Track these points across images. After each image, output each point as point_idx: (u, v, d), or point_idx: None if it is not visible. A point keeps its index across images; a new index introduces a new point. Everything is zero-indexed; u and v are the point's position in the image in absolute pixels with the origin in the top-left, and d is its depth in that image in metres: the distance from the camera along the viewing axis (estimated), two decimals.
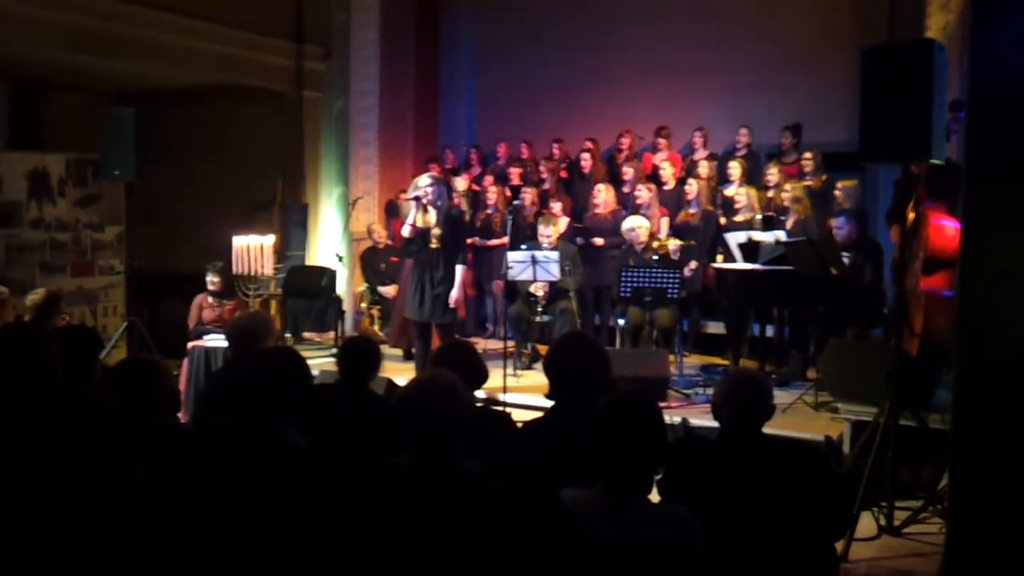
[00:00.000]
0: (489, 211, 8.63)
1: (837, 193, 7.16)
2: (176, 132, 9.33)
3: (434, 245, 6.24)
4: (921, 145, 4.14)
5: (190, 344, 6.75)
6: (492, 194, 8.64)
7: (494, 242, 8.35)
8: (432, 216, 6.23)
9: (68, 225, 8.54)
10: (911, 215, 5.14)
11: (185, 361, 6.63)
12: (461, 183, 8.75)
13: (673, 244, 7.14)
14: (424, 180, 6.31)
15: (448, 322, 6.34)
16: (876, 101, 4.26)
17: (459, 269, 6.24)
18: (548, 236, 7.32)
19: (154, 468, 2.66)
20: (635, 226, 7.24)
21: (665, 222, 7.76)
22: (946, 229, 5.19)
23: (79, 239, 8.62)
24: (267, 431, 2.69)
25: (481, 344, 7.72)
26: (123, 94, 9.17)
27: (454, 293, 6.20)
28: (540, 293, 7.27)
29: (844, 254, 6.46)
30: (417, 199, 6.23)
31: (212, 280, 7.23)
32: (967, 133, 3.14)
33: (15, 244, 8.16)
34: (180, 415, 5.03)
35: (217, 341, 6.40)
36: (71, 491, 2.33)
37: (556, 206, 8.03)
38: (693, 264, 7.52)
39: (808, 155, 7.75)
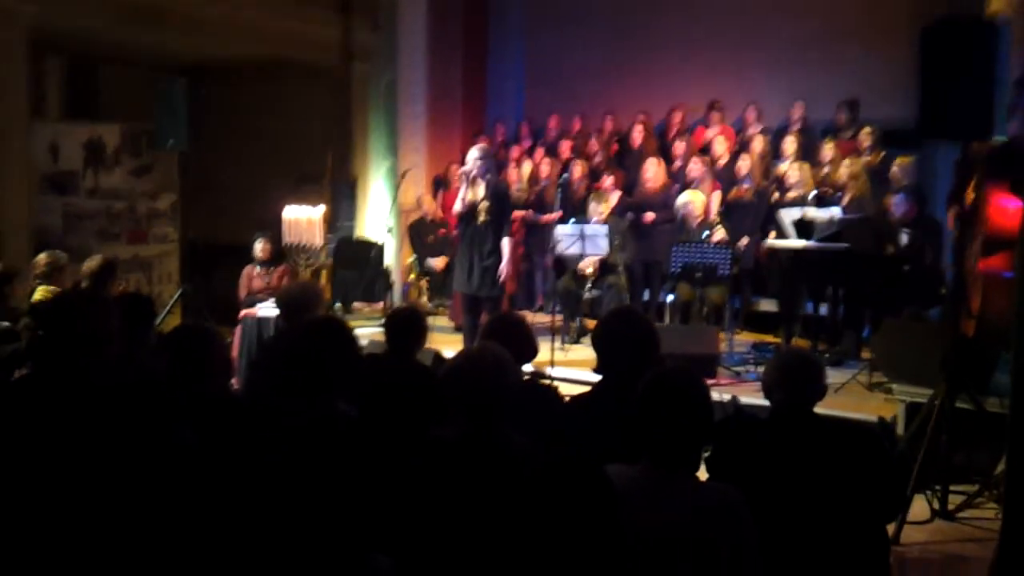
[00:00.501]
0: (543, 183, 8.58)
1: (894, 170, 6.99)
2: (228, 104, 9.43)
3: (482, 219, 6.23)
4: (982, 122, 4.04)
5: (242, 313, 6.85)
6: (545, 167, 8.58)
7: (546, 217, 8.30)
8: (480, 190, 6.22)
9: (123, 194, 8.70)
10: (971, 194, 5.00)
11: (238, 329, 6.73)
12: (527, 168, 8.67)
13: (720, 234, 7.02)
14: (473, 153, 6.31)
15: (496, 295, 6.34)
16: (935, 77, 4.17)
17: (506, 242, 6.22)
18: (600, 212, 7.27)
19: (204, 434, 2.70)
20: (689, 200, 7.15)
21: (717, 196, 7.64)
22: (1008, 209, 5.04)
23: (134, 208, 8.78)
24: (316, 400, 2.71)
25: (529, 317, 7.71)
26: (177, 67, 9.28)
27: (503, 266, 6.20)
28: (590, 270, 7.23)
29: (904, 231, 6.33)
30: (466, 174, 6.23)
31: (262, 248, 7.34)
32: None
33: (72, 212, 8.34)
34: (232, 382, 5.12)
35: (268, 310, 6.49)
36: (123, 454, 2.38)
37: (608, 180, 7.95)
38: (745, 240, 7.41)
39: (867, 131, 7.57)
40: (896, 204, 6.39)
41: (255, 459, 2.61)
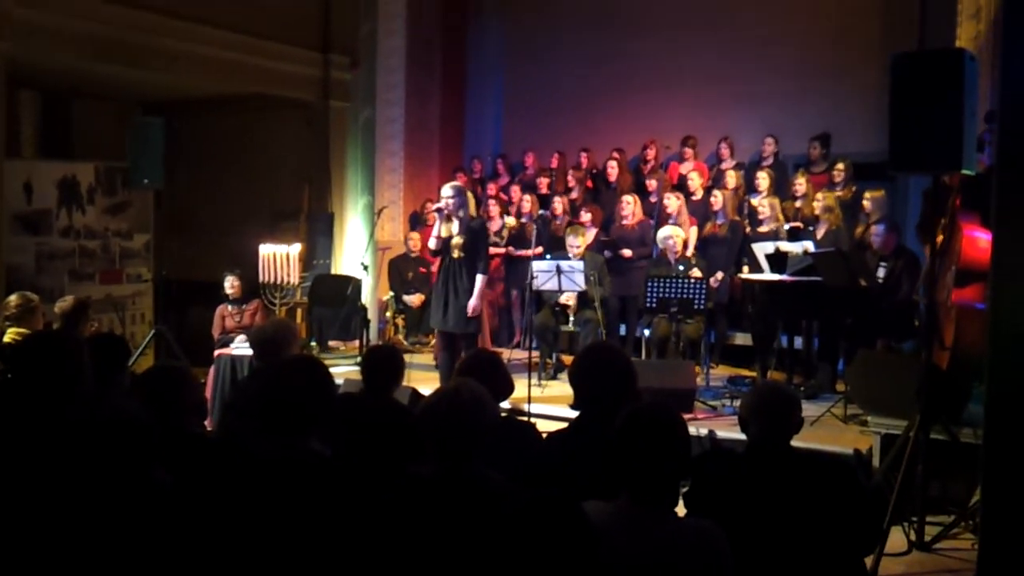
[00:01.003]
0: (523, 220, 8.62)
1: (865, 203, 7.08)
2: (204, 141, 9.43)
3: (456, 255, 6.24)
4: (952, 155, 4.09)
5: (217, 352, 6.80)
6: (526, 204, 8.63)
7: (525, 252, 8.33)
8: (455, 226, 6.24)
9: (97, 233, 8.65)
10: (943, 226, 5.07)
11: (212, 369, 6.68)
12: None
13: (696, 272, 7.09)
14: (447, 191, 6.33)
15: (471, 332, 6.33)
16: (906, 110, 4.22)
17: (479, 278, 6.23)
18: (576, 246, 7.32)
19: (178, 475, 2.67)
20: (671, 235, 7.24)
21: (694, 232, 7.72)
22: (979, 241, 5.12)
23: (108, 247, 8.72)
24: (291, 440, 2.69)
25: (507, 354, 7.70)
26: (152, 103, 9.28)
27: (472, 302, 6.19)
28: (571, 303, 7.25)
29: (882, 264, 6.39)
30: (439, 210, 6.26)
31: (231, 285, 7.34)
32: (998, 144, 3.10)
33: (45, 252, 8.26)
34: (206, 423, 5.06)
35: (243, 349, 6.44)
36: (95, 495, 2.34)
37: (586, 216, 8.01)
38: (719, 275, 7.47)
39: (840, 165, 7.68)
40: (876, 234, 6.47)
41: (229, 500, 2.57)
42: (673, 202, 7.76)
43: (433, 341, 7.91)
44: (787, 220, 7.41)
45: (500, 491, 2.41)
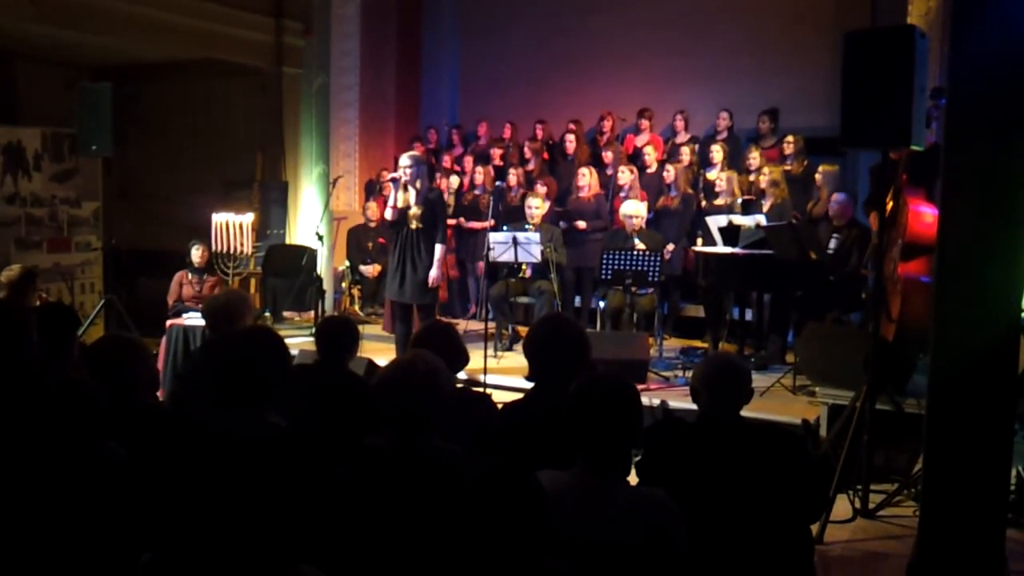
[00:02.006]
0: (476, 192, 8.60)
1: (817, 177, 7.19)
2: (154, 108, 9.23)
3: (414, 226, 6.21)
4: (901, 131, 4.15)
5: (168, 322, 6.71)
6: (479, 175, 8.61)
7: (478, 224, 8.33)
8: (412, 196, 6.21)
9: (44, 200, 8.44)
10: (890, 201, 5.17)
11: (163, 339, 6.59)
12: (454, 181, 8.69)
13: (641, 246, 7.15)
14: (404, 160, 6.29)
15: (428, 303, 6.33)
16: (857, 86, 4.27)
17: (438, 249, 6.22)
18: (535, 207, 7.34)
19: (130, 447, 2.64)
20: (634, 214, 7.25)
21: (643, 206, 7.77)
22: (925, 215, 5.23)
23: (55, 215, 8.53)
24: (244, 411, 2.67)
25: (463, 325, 7.71)
26: (101, 68, 9.05)
27: (433, 272, 6.19)
28: (526, 269, 7.29)
29: (835, 235, 6.50)
30: (395, 180, 6.22)
31: (200, 254, 7.22)
32: (946, 120, 3.16)
33: None
34: (158, 394, 5.00)
35: (195, 319, 6.37)
36: (47, 467, 2.32)
37: (541, 189, 8.02)
38: (671, 247, 7.54)
39: (790, 139, 7.77)
40: (836, 202, 6.56)
41: (182, 472, 2.56)
42: (626, 175, 7.81)
43: (385, 312, 7.90)
44: (742, 194, 7.49)
45: (455, 462, 2.43)
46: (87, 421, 2.58)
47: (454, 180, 8.67)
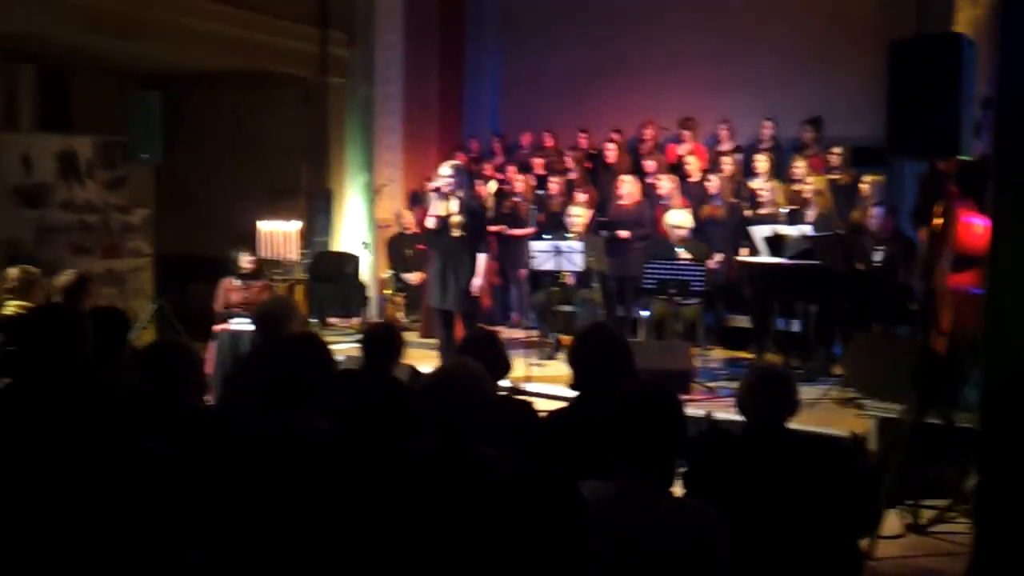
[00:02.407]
0: (516, 199, 8.62)
1: (863, 187, 7.09)
2: (202, 116, 9.39)
3: (456, 234, 6.24)
4: (948, 141, 4.08)
5: (216, 327, 6.81)
6: (519, 183, 8.63)
7: (519, 232, 8.34)
8: (453, 205, 6.24)
9: (97, 207, 8.62)
10: (939, 212, 5.08)
11: (212, 344, 6.69)
12: (492, 186, 8.71)
13: (686, 255, 7.10)
14: (445, 170, 6.33)
15: (470, 311, 6.35)
16: (903, 95, 4.21)
17: (481, 257, 6.24)
18: (577, 216, 7.32)
19: (178, 449, 2.69)
20: (680, 224, 7.21)
21: (689, 216, 7.71)
22: (975, 226, 5.12)
23: (107, 221, 8.70)
24: (291, 415, 2.70)
25: (505, 333, 7.72)
26: (151, 77, 9.23)
27: (476, 281, 6.21)
28: (569, 278, 7.28)
29: (878, 248, 6.41)
30: (437, 189, 6.26)
31: (246, 260, 7.29)
32: (995, 129, 3.11)
33: (45, 225, 8.25)
34: (207, 397, 5.08)
35: (243, 325, 6.45)
36: (98, 468, 2.36)
37: (582, 197, 8.01)
38: (718, 257, 7.48)
39: (836, 150, 7.68)
40: (875, 216, 6.48)
41: (229, 474, 2.60)
42: (665, 184, 7.78)
43: (423, 318, 7.95)
44: (786, 203, 7.41)
45: (496, 467, 2.43)
46: (136, 423, 2.63)
47: (491, 186, 8.68)
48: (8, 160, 7.62)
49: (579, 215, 7.38)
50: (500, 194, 8.83)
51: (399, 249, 8.96)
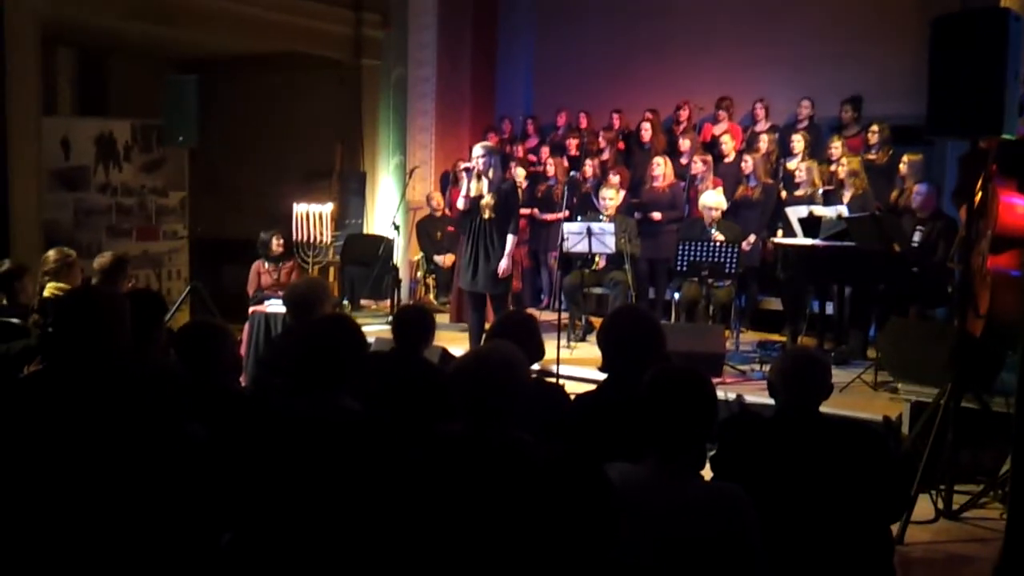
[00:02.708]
0: (549, 183, 8.60)
1: (902, 167, 6.99)
2: (238, 100, 9.46)
3: (487, 216, 6.24)
4: (992, 119, 4.01)
5: (251, 309, 6.89)
6: (551, 166, 8.61)
7: (552, 216, 8.32)
8: (485, 186, 6.24)
9: (134, 190, 8.74)
10: (980, 192, 4.99)
11: (246, 325, 6.77)
12: (520, 172, 8.68)
13: (720, 237, 7.04)
14: (477, 150, 6.32)
15: (501, 292, 6.36)
16: (945, 72, 4.14)
17: (510, 239, 6.23)
18: (609, 198, 7.29)
19: (213, 429, 2.73)
20: (714, 206, 7.16)
21: (723, 197, 7.65)
22: (1017, 207, 5.04)
23: (144, 204, 8.82)
24: (323, 396, 2.74)
25: (536, 315, 7.72)
26: (187, 61, 9.32)
27: (503, 263, 6.21)
28: (600, 260, 7.25)
29: (919, 228, 6.31)
30: (468, 170, 6.26)
31: (276, 243, 7.39)
32: None
33: (83, 208, 8.39)
34: (241, 379, 5.15)
35: (277, 307, 6.52)
36: (134, 447, 2.41)
37: (615, 178, 7.97)
38: (752, 238, 7.42)
39: (875, 128, 7.56)
40: (919, 193, 6.38)
41: (264, 455, 2.63)
42: (699, 164, 7.72)
43: (451, 301, 7.97)
44: (823, 184, 7.33)
45: (526, 450, 2.44)
46: (172, 403, 2.67)
47: (520, 172, 8.65)
48: (48, 144, 7.74)
49: (611, 197, 7.34)
50: (532, 177, 8.81)
51: (429, 231, 8.99)
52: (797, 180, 7.37)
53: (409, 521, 2.42)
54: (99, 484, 2.36)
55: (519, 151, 9.33)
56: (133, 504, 2.38)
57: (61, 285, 5.09)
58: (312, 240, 7.17)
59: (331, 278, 8.49)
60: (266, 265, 7.47)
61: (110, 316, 2.57)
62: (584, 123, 9.39)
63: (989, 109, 4.00)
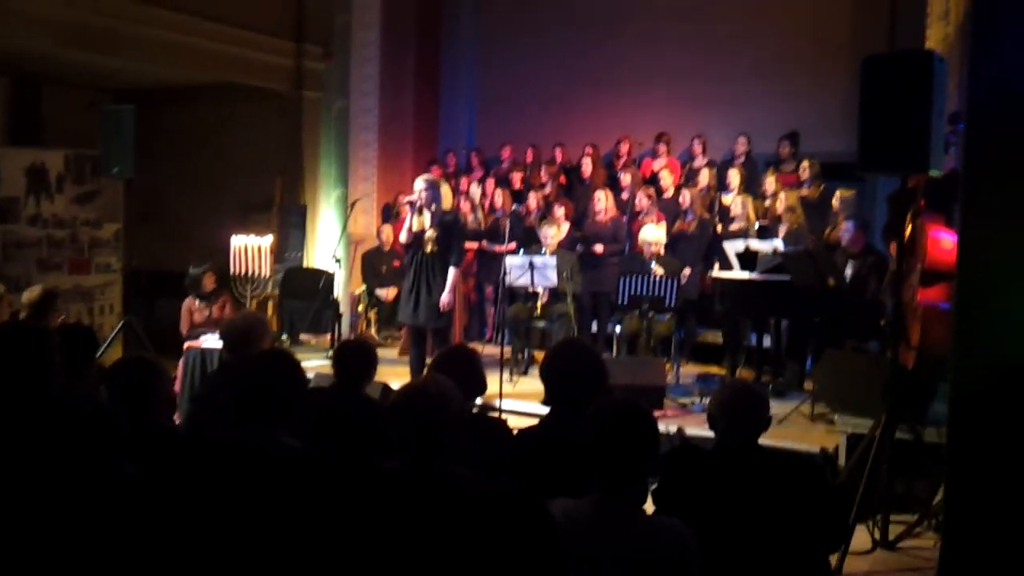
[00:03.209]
0: (497, 215, 8.62)
1: (835, 203, 7.15)
2: (175, 130, 9.35)
3: (429, 249, 6.22)
4: (919, 156, 4.14)
5: (186, 344, 6.74)
6: (499, 198, 8.63)
7: (501, 248, 8.33)
8: (427, 219, 6.22)
9: (66, 222, 8.54)
10: (909, 227, 5.14)
11: (181, 361, 6.62)
12: (475, 194, 8.69)
13: (660, 271, 7.11)
14: (419, 184, 6.31)
15: (442, 327, 6.32)
16: (875, 110, 4.27)
17: (451, 272, 6.21)
18: (550, 236, 7.33)
19: (145, 467, 2.65)
20: (653, 240, 7.23)
21: (663, 231, 7.75)
22: (944, 241, 5.19)
23: (76, 236, 8.62)
24: (260, 433, 2.68)
25: (479, 348, 7.70)
26: (123, 91, 9.19)
27: (444, 297, 6.18)
28: (541, 291, 7.27)
29: (850, 261, 6.45)
30: (411, 203, 6.24)
31: (208, 280, 7.26)
32: (965, 145, 3.15)
33: (12, 240, 8.16)
34: (175, 416, 5.02)
35: (213, 342, 6.39)
36: (64, 485, 2.32)
37: (559, 211, 8.03)
38: (687, 271, 7.51)
39: (805, 164, 7.75)
40: (846, 231, 6.52)
41: (198, 493, 2.56)
42: (643, 200, 7.83)
43: (402, 335, 7.91)
44: (757, 219, 7.47)
45: (465, 486, 2.42)
46: (104, 442, 2.59)
47: (475, 194, 8.66)
48: None
49: (552, 235, 7.37)
50: (477, 209, 8.83)
51: (374, 264, 8.93)
52: (732, 214, 7.51)
53: (348, 558, 2.37)
54: (31, 526, 2.27)
55: (464, 184, 9.35)
56: (67, 546, 2.29)
57: None
58: (251, 273, 7.07)
59: (270, 312, 8.37)
60: (197, 303, 7.32)
61: (38, 352, 2.49)
62: (530, 156, 9.45)
63: (916, 146, 4.13)
